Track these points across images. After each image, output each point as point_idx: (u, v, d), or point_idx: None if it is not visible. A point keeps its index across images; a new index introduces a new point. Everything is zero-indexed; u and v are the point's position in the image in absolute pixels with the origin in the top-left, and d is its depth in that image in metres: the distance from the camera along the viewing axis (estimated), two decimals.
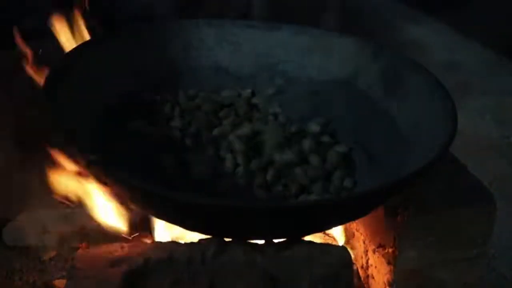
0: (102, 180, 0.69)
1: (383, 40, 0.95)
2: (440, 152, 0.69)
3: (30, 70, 0.86)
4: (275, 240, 0.69)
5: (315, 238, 0.79)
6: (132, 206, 0.72)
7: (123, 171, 0.65)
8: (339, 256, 0.69)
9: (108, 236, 0.88)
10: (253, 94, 0.90)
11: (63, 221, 0.89)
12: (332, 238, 0.86)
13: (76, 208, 0.86)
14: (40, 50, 0.87)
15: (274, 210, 0.65)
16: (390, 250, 0.76)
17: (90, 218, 0.81)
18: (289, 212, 0.65)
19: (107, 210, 0.80)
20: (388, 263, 0.76)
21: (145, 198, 0.67)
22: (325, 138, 0.82)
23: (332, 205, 0.67)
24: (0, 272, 0.84)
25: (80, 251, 0.70)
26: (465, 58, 1.45)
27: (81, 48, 0.86)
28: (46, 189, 0.92)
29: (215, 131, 0.83)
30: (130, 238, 0.81)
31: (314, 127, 0.85)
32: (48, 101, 0.73)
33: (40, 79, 0.81)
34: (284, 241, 0.70)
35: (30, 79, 0.92)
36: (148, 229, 0.82)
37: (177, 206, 0.64)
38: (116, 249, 0.69)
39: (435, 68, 0.84)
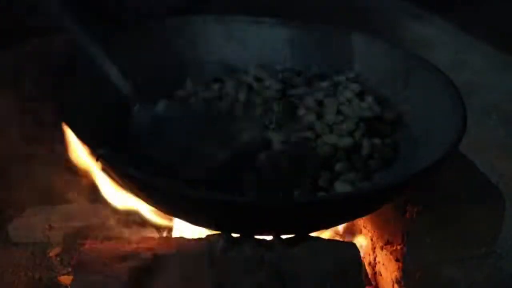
0: (110, 173, 0.69)
1: (390, 38, 0.95)
2: (449, 150, 0.69)
3: None
4: (283, 236, 0.69)
5: (323, 234, 0.79)
6: (140, 200, 0.72)
7: (130, 165, 0.65)
8: (347, 252, 0.69)
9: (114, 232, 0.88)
10: None
11: (69, 217, 0.89)
12: (339, 235, 0.86)
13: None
14: None
15: (282, 206, 0.65)
16: (398, 247, 0.76)
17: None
18: (298, 208, 0.65)
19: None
20: (396, 260, 0.76)
21: (153, 192, 0.66)
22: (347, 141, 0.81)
23: (340, 202, 0.67)
24: (6, 268, 0.84)
25: (87, 246, 0.69)
26: (472, 57, 1.44)
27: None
28: (52, 185, 0.92)
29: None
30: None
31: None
32: (55, 96, 0.72)
33: None
34: (292, 237, 0.69)
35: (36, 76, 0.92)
36: None
37: (186, 202, 0.64)
38: (124, 245, 0.69)
39: (441, 67, 0.84)
